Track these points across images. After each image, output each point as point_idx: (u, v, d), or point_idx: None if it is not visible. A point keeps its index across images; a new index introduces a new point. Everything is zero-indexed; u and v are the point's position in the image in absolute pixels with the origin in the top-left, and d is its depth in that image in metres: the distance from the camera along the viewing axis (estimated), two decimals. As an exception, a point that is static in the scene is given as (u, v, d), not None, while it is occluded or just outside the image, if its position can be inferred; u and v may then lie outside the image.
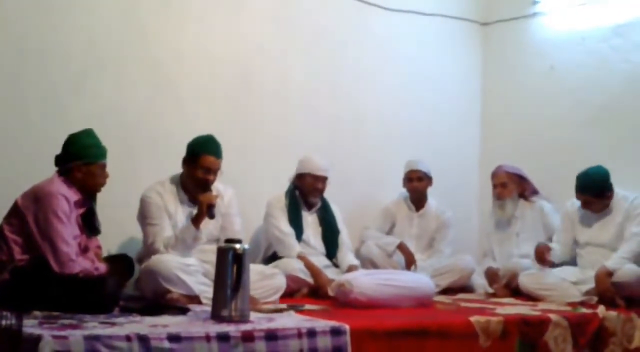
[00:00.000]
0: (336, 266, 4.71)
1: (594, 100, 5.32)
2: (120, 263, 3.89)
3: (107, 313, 3.12)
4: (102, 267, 3.55)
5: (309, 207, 4.74)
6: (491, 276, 4.95)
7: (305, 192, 4.68)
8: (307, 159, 4.69)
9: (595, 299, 4.35)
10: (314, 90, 5.22)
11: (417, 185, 5.16)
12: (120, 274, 3.73)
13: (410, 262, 4.94)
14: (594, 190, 4.60)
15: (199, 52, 4.75)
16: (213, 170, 3.91)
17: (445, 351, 3.35)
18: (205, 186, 3.89)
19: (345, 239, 4.81)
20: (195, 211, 3.89)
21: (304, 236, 4.65)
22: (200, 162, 3.88)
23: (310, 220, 4.73)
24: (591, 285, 4.43)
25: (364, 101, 5.46)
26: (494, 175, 5.13)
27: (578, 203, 4.75)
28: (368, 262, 4.90)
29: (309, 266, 4.45)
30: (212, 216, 3.85)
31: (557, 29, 5.62)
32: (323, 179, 4.66)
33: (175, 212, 3.93)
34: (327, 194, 4.84)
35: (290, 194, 4.68)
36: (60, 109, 4.21)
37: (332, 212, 4.80)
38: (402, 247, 5.00)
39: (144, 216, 3.92)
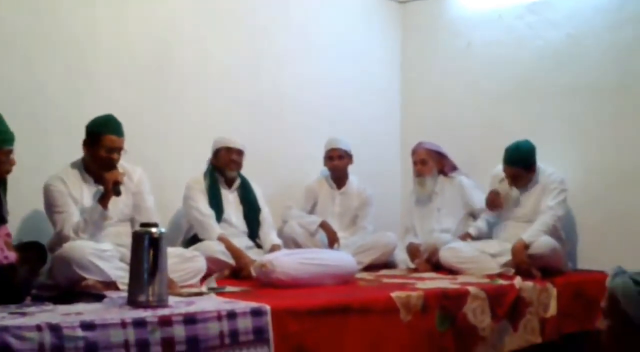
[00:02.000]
0: (259, 246, 4.69)
1: (510, 76, 5.43)
2: (32, 251, 3.73)
3: (18, 303, 3.00)
4: (12, 255, 3.41)
5: (229, 184, 4.70)
6: (413, 251, 5.01)
7: (221, 166, 4.64)
8: (220, 136, 4.69)
9: (512, 270, 4.46)
10: (234, 72, 5.14)
11: (337, 163, 5.17)
12: (32, 262, 3.59)
13: (332, 241, 4.96)
14: (524, 163, 4.69)
15: (115, 32, 4.60)
16: (116, 149, 3.83)
17: (367, 327, 3.37)
18: (110, 165, 3.81)
19: (267, 217, 4.79)
20: (101, 191, 3.80)
21: (225, 215, 4.62)
22: (102, 142, 3.80)
23: (230, 198, 4.70)
24: (509, 257, 4.53)
25: (284, 82, 5.41)
26: (414, 152, 5.19)
27: (501, 176, 4.83)
28: (291, 242, 4.90)
29: (230, 248, 4.40)
30: (117, 193, 3.78)
31: (474, 6, 5.70)
32: (237, 151, 4.63)
33: (81, 197, 3.84)
34: (250, 176, 4.81)
35: (209, 174, 4.64)
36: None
37: (252, 190, 4.79)
38: (324, 226, 5.01)
39: (49, 205, 3.82)
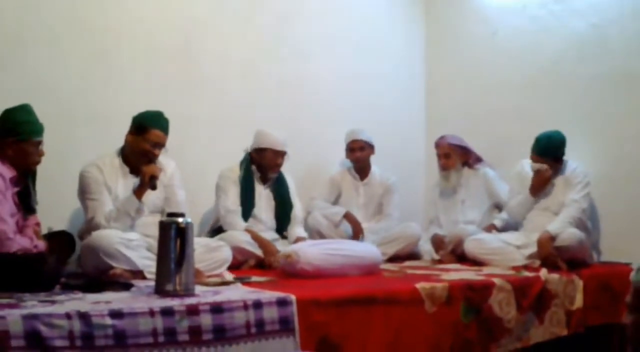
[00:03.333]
0: (284, 238, 4.70)
1: (534, 66, 5.39)
2: (61, 240, 3.80)
3: (48, 291, 3.04)
4: (41, 244, 3.47)
5: (264, 181, 4.69)
6: (437, 242, 5.00)
7: (264, 167, 4.62)
8: (266, 133, 4.62)
9: (538, 262, 4.44)
10: (255, 61, 5.15)
11: (359, 155, 5.16)
12: (61, 251, 3.65)
13: (357, 232, 4.96)
14: (554, 154, 4.67)
15: (138, 24, 4.63)
16: (159, 145, 3.88)
17: (392, 318, 3.37)
18: (150, 159, 3.86)
19: (298, 213, 4.79)
20: (137, 183, 3.83)
21: (255, 210, 4.61)
22: (148, 135, 3.84)
23: (263, 193, 4.69)
24: (534, 249, 4.50)
25: (306, 71, 5.41)
26: (437, 145, 5.17)
27: (528, 166, 4.80)
28: (315, 233, 4.91)
29: (256, 238, 4.42)
30: (154, 187, 3.81)
31: (499, -5, 5.66)
32: (283, 154, 4.62)
33: (116, 185, 3.88)
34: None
35: (245, 166, 4.61)
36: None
37: (286, 186, 4.76)
38: (348, 217, 5.01)
39: (83, 191, 3.86)
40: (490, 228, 4.94)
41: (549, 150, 4.66)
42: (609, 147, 4.97)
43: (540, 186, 4.70)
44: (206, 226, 4.73)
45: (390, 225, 5.10)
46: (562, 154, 4.70)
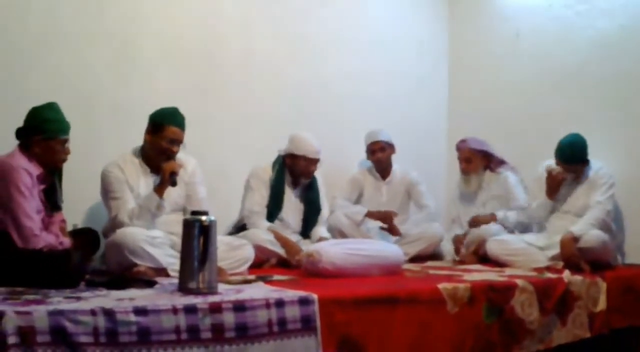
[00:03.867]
0: (307, 237, 4.72)
1: (559, 67, 5.35)
2: (86, 237, 3.84)
3: (73, 288, 3.08)
4: (67, 241, 3.51)
5: (295, 185, 4.71)
6: (458, 243, 4.98)
7: (297, 173, 4.65)
8: (301, 139, 4.65)
9: (561, 264, 4.41)
10: (278, 59, 5.17)
11: (380, 156, 5.16)
12: (86, 248, 3.69)
13: (387, 218, 4.92)
14: (579, 159, 4.65)
15: (160, 18, 4.67)
16: (177, 142, 3.89)
17: (414, 318, 3.36)
18: (169, 156, 3.88)
19: (324, 214, 4.81)
20: (157, 180, 3.86)
21: (282, 213, 4.64)
22: (164, 132, 3.86)
23: (292, 197, 4.72)
24: (557, 250, 4.48)
25: (329, 69, 5.42)
26: (458, 149, 5.15)
27: (550, 165, 4.77)
28: (336, 232, 4.91)
29: (279, 237, 4.44)
30: (174, 184, 3.83)
31: (523, -7, 5.63)
32: (316, 162, 4.65)
33: (137, 184, 3.90)
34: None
35: (278, 169, 4.64)
36: (18, 80, 4.12)
37: (317, 191, 4.79)
38: (371, 215, 4.99)
39: (106, 190, 3.89)
40: (492, 218, 4.89)
41: (575, 157, 4.64)
42: (634, 148, 4.92)
43: (554, 188, 4.66)
44: (226, 224, 4.75)
45: (431, 215, 5.11)
46: (586, 155, 4.67)
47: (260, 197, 4.55)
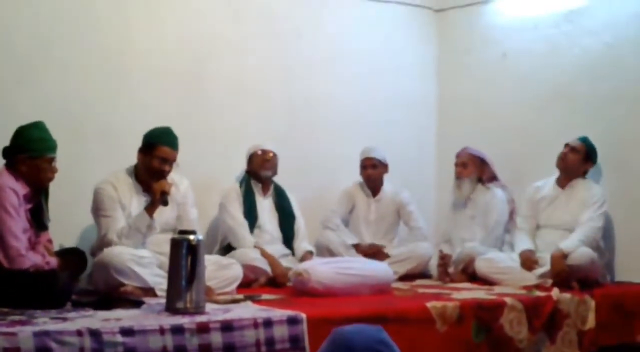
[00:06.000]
0: (289, 247, 4.73)
1: (546, 86, 5.38)
2: (72, 257, 3.82)
3: (59, 308, 3.06)
4: (53, 261, 3.49)
5: (264, 191, 4.74)
6: (444, 265, 4.94)
7: (256, 170, 4.69)
8: (252, 144, 4.75)
9: (549, 281, 4.40)
10: (268, 79, 5.18)
11: (371, 172, 5.17)
12: (73, 267, 3.67)
13: (376, 253, 4.92)
14: (589, 147, 4.75)
15: (150, 39, 4.68)
16: (169, 161, 3.89)
17: (403, 337, 3.31)
18: (161, 176, 3.88)
19: (301, 226, 4.82)
20: (150, 200, 3.85)
21: (259, 222, 4.66)
22: (156, 152, 3.86)
23: (265, 205, 4.74)
24: (546, 268, 4.48)
25: (319, 89, 5.42)
26: (458, 155, 5.17)
27: (539, 185, 4.84)
28: (325, 250, 4.90)
29: (266, 255, 4.44)
30: (165, 203, 3.83)
31: (510, 15, 5.65)
32: (270, 154, 4.69)
33: (129, 203, 3.89)
34: (284, 181, 4.84)
35: (244, 182, 4.71)
36: (5, 100, 4.11)
37: (287, 198, 4.83)
38: (358, 249, 4.97)
39: (97, 208, 3.88)
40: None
41: (588, 141, 4.75)
42: (623, 165, 4.94)
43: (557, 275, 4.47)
44: (216, 242, 4.74)
45: (424, 236, 5.12)
46: (593, 155, 4.77)
47: (237, 211, 4.60)
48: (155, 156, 3.86)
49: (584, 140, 4.79)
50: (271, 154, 4.70)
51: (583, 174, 4.80)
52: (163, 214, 3.92)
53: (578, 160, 4.76)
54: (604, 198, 4.68)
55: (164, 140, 3.88)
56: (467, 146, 5.18)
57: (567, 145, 4.78)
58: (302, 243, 4.74)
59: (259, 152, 4.69)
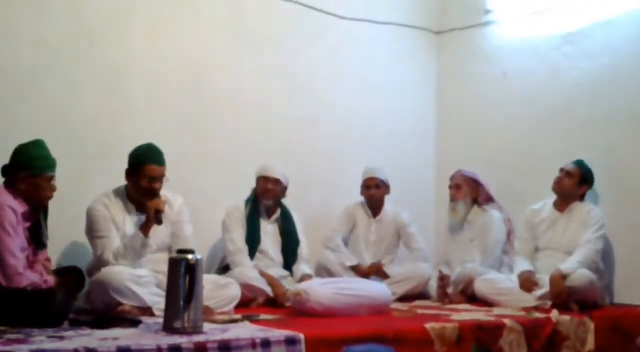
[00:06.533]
0: (289, 270, 4.70)
1: (544, 106, 5.40)
2: (70, 275, 3.80)
3: (56, 327, 3.05)
4: (51, 280, 3.47)
5: (269, 214, 4.71)
6: (443, 287, 4.93)
7: (258, 195, 4.65)
8: (261, 164, 4.69)
9: (549, 303, 4.39)
10: (268, 98, 5.20)
11: (373, 192, 5.17)
12: (70, 286, 3.66)
13: (375, 272, 4.91)
14: (584, 170, 4.76)
15: (149, 57, 4.70)
16: (158, 178, 3.87)
17: (401, 358, 3.34)
18: (152, 194, 3.86)
19: (304, 250, 4.78)
20: (143, 219, 3.84)
21: (262, 246, 4.62)
22: (143, 171, 3.84)
23: (269, 229, 4.70)
24: (545, 289, 4.47)
25: (318, 109, 5.45)
26: (452, 177, 5.18)
27: (536, 208, 4.85)
28: (323, 270, 4.90)
29: (265, 275, 4.43)
30: (159, 222, 3.82)
31: (510, 37, 5.69)
32: (273, 181, 4.62)
33: (123, 223, 3.89)
34: (286, 202, 4.82)
35: (250, 203, 4.65)
36: (6, 116, 4.12)
37: (293, 222, 4.78)
38: (356, 270, 4.96)
39: (91, 229, 3.87)
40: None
41: (583, 164, 4.76)
42: (620, 187, 4.95)
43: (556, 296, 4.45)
44: (216, 261, 4.73)
45: (424, 257, 5.11)
46: (589, 178, 4.77)
47: (238, 235, 4.55)
48: (143, 175, 3.84)
49: (579, 164, 4.79)
50: (271, 185, 4.61)
51: (580, 197, 4.81)
52: (158, 233, 3.91)
53: (573, 185, 4.76)
54: (603, 220, 4.68)
55: (150, 159, 3.85)
56: (461, 168, 5.18)
57: (562, 169, 4.79)
58: (302, 266, 4.70)
59: (262, 179, 4.63)
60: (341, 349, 3.10)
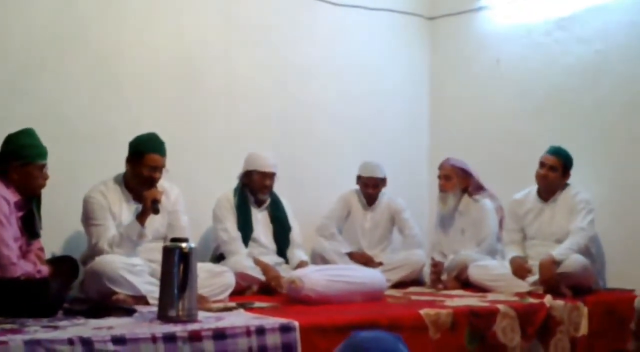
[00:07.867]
0: (287, 262, 4.69)
1: (538, 92, 5.40)
2: (64, 265, 3.80)
3: (51, 316, 3.04)
4: (45, 269, 3.47)
5: (259, 204, 4.70)
6: (436, 273, 4.94)
7: (253, 189, 4.63)
8: (253, 155, 4.64)
9: (542, 289, 4.40)
10: (261, 86, 5.18)
11: (372, 191, 5.16)
12: (65, 276, 3.65)
13: (368, 263, 4.91)
14: (565, 159, 4.68)
15: (142, 47, 4.67)
16: (158, 168, 3.87)
17: (396, 345, 3.34)
18: (152, 183, 3.85)
19: (296, 236, 4.78)
20: (140, 208, 3.83)
21: (255, 234, 4.62)
22: (145, 160, 3.83)
23: (260, 217, 4.69)
24: (538, 275, 4.48)
25: (311, 96, 5.43)
26: (440, 167, 5.14)
27: (519, 198, 4.84)
28: (319, 258, 4.91)
29: (259, 263, 4.42)
30: (156, 211, 3.80)
31: (503, 22, 5.68)
32: (271, 176, 4.61)
33: (120, 212, 3.88)
34: (278, 191, 4.80)
35: (239, 192, 4.63)
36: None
37: (283, 209, 4.77)
38: (353, 257, 4.99)
39: (87, 217, 3.85)
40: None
41: (561, 152, 4.68)
42: (613, 172, 4.96)
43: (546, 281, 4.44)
44: (208, 250, 4.72)
45: (418, 243, 5.11)
46: (570, 167, 4.70)
47: (231, 224, 4.53)
48: (144, 165, 3.83)
49: (558, 154, 4.69)
50: (269, 181, 4.58)
51: (564, 187, 4.77)
52: (154, 222, 3.90)
53: (558, 177, 4.71)
54: (591, 205, 4.66)
55: (152, 148, 3.85)
56: (449, 157, 5.12)
57: (543, 164, 4.70)
58: (297, 252, 4.70)
59: (259, 173, 4.57)
60: (336, 336, 3.12)
